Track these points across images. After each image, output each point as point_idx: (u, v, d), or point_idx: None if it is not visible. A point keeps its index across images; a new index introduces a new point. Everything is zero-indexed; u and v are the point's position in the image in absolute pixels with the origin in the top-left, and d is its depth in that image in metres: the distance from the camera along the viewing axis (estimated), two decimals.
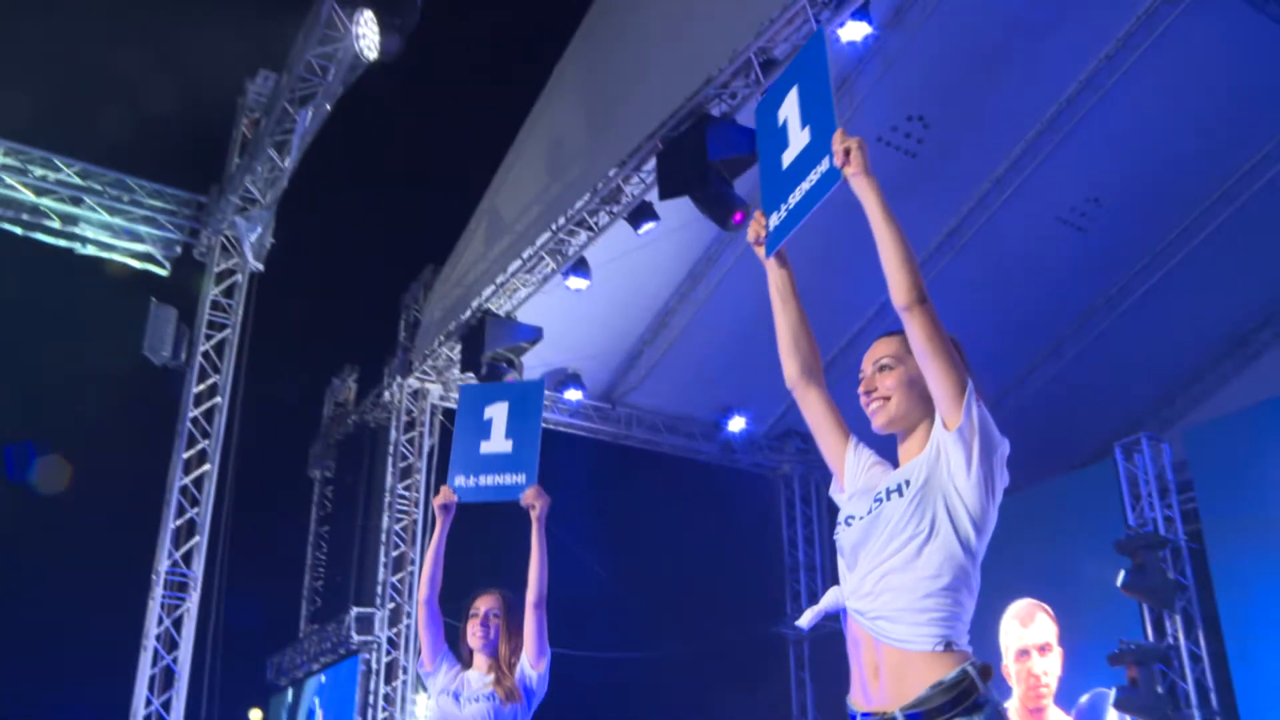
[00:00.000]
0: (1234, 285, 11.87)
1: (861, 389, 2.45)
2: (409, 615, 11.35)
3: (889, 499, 2.30)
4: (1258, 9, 9.22)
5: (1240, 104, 10.28)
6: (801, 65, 2.74)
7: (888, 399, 2.41)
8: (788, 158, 2.67)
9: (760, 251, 2.65)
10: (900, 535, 2.26)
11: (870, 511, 2.33)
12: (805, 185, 2.56)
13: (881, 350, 2.47)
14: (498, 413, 4.30)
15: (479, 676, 3.97)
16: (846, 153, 2.38)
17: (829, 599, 2.39)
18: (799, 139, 2.64)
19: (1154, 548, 9.44)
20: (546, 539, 4.00)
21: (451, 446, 4.04)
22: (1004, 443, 2.32)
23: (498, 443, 4.28)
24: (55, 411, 11.51)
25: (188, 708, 9.63)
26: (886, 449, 2.52)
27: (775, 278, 2.63)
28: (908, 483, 2.30)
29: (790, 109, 2.70)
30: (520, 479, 4.24)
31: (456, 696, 3.94)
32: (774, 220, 2.65)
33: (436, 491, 4.30)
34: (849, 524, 2.36)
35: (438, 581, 4.09)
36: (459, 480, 4.25)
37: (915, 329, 2.28)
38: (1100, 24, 9.74)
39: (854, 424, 2.60)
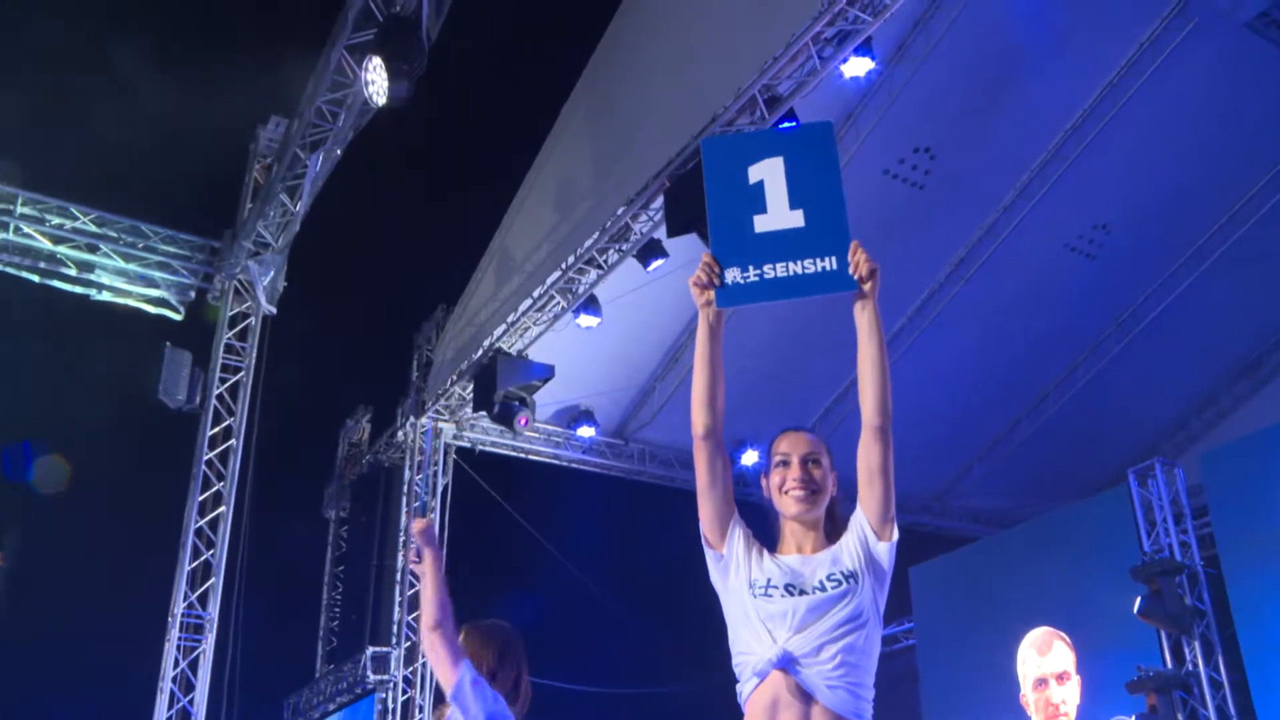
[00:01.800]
0: (1245, 308, 11.88)
1: (792, 476, 2.68)
2: (424, 655, 11.34)
3: (846, 583, 2.56)
4: (1259, 34, 9.28)
5: (1245, 127, 10.33)
6: (799, 142, 2.73)
7: (819, 491, 2.67)
8: (763, 224, 2.67)
9: (703, 296, 2.68)
10: (856, 619, 2.54)
11: (814, 591, 2.56)
12: (797, 269, 2.60)
13: (807, 447, 2.71)
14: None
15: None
16: (872, 273, 2.56)
17: (782, 650, 2.60)
18: (784, 215, 2.65)
19: (1170, 574, 9.40)
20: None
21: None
22: None
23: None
24: (72, 453, 11.57)
25: None
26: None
27: (709, 328, 2.71)
28: (855, 575, 2.58)
29: (772, 175, 2.69)
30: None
31: None
32: (733, 276, 2.66)
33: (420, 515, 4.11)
34: (789, 592, 2.58)
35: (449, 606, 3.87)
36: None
37: (881, 448, 2.55)
38: (1103, 51, 9.81)
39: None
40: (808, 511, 2.68)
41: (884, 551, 2.58)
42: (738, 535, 2.74)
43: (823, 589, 2.56)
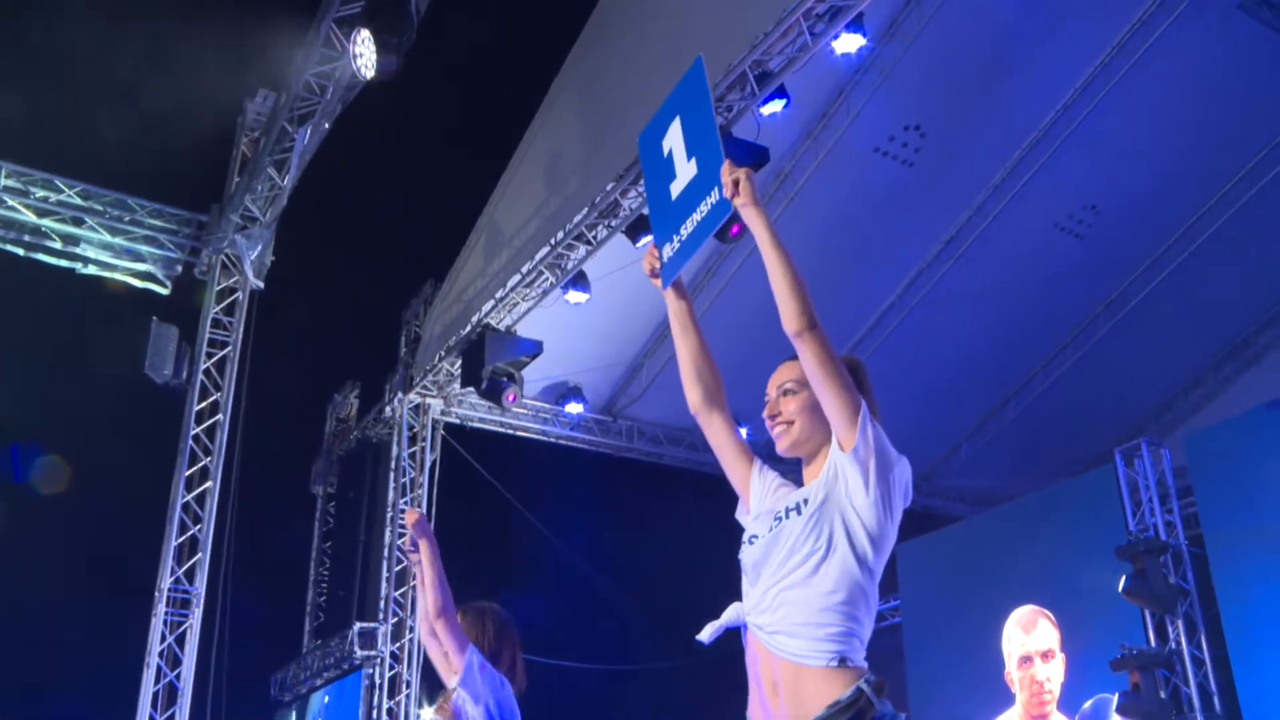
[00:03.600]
0: (1233, 290, 11.91)
1: (766, 413, 2.52)
2: (412, 629, 11.36)
3: (788, 517, 2.36)
4: (1251, 14, 9.27)
5: (1235, 109, 10.33)
6: (683, 94, 2.70)
7: (791, 423, 2.47)
8: (675, 189, 2.67)
9: (657, 283, 2.68)
10: (799, 552, 2.31)
11: (770, 530, 2.39)
12: (696, 216, 2.58)
13: (785, 375, 2.53)
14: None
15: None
16: (735, 183, 2.41)
17: (730, 614, 2.45)
18: (686, 170, 2.64)
19: (1155, 553, 9.46)
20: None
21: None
22: (901, 462, 2.38)
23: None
24: (58, 427, 11.53)
25: None
26: (794, 471, 2.58)
27: (674, 308, 2.68)
28: (806, 501, 2.36)
29: (674, 140, 2.69)
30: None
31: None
32: (668, 251, 2.67)
33: (419, 508, 4.14)
34: (751, 542, 2.43)
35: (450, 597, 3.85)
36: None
37: (806, 355, 2.34)
38: (1095, 31, 9.78)
39: None
40: (788, 449, 2.49)
41: (847, 464, 2.32)
42: (755, 490, 2.59)
43: (763, 535, 2.40)
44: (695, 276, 11.50)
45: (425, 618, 3.78)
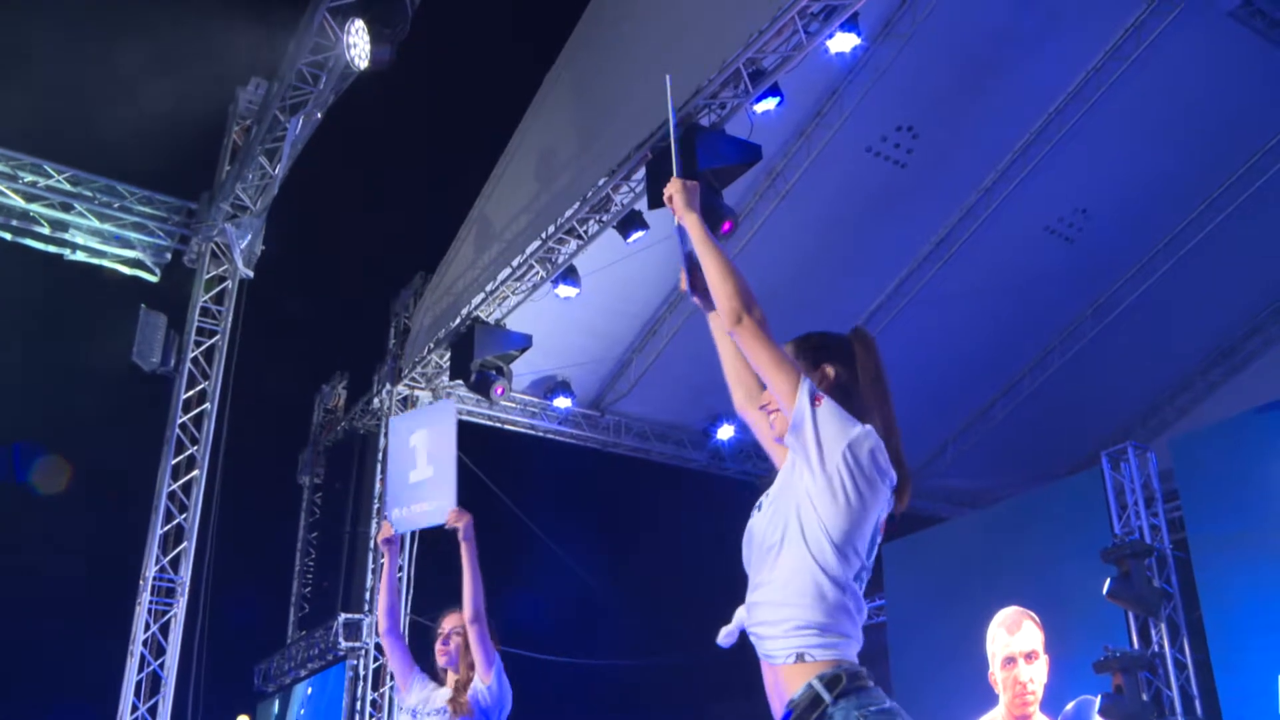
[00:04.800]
0: (1221, 295, 11.96)
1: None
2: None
3: (757, 512, 2.31)
4: (1242, 23, 9.30)
5: (1226, 115, 10.37)
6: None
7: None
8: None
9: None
10: (762, 547, 2.25)
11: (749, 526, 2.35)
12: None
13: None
14: (420, 439, 4.26)
15: (444, 693, 4.02)
16: (669, 199, 2.54)
17: (740, 615, 2.35)
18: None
19: (1140, 556, 9.50)
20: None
21: (386, 480, 4.01)
22: (855, 435, 2.22)
23: (422, 469, 4.25)
24: (46, 415, 11.49)
25: (174, 714, 9.61)
26: None
27: (715, 320, 2.60)
28: (769, 495, 2.31)
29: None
30: (442, 503, 4.22)
31: (414, 713, 4.01)
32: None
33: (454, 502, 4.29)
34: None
35: (397, 612, 4.18)
36: (395, 513, 4.25)
37: (743, 347, 2.32)
38: (1088, 36, 9.81)
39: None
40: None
41: (795, 445, 2.23)
42: None
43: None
44: (665, 269, 11.50)
45: (385, 616, 4.02)
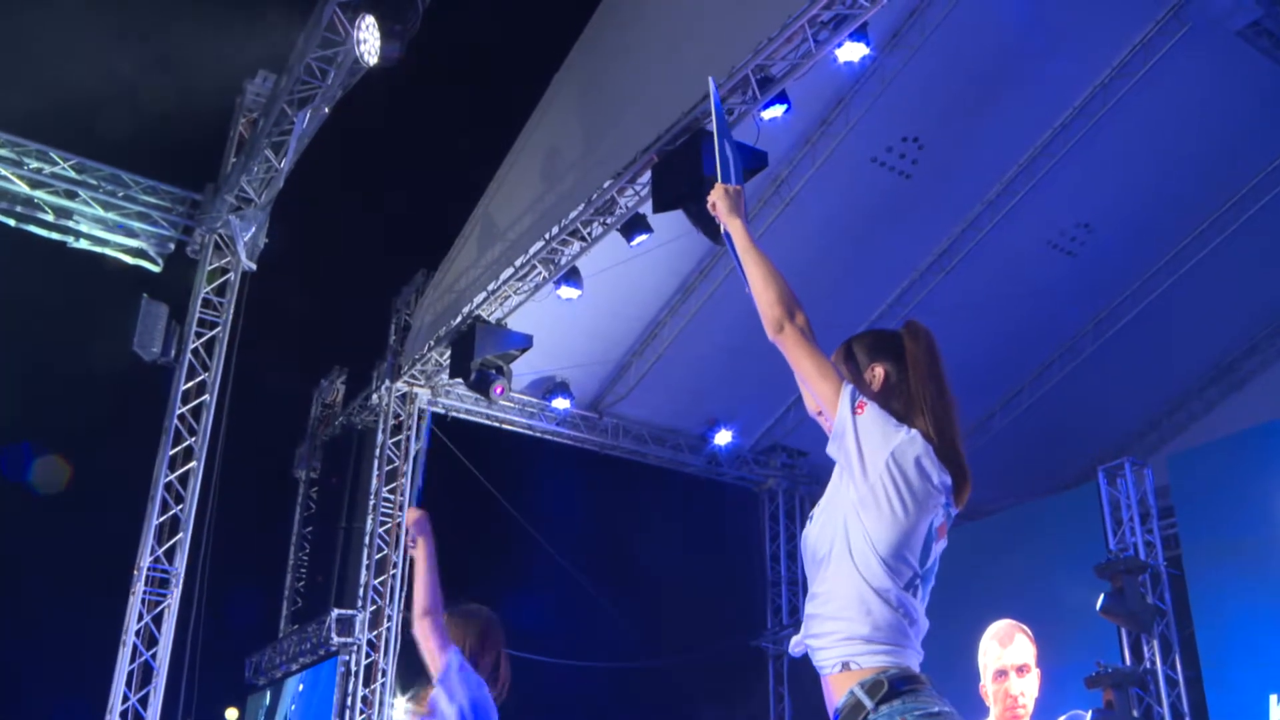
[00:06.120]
0: (1221, 313, 11.98)
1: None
2: (390, 618, 11.35)
3: (810, 522, 2.31)
4: (1249, 42, 9.32)
5: (1230, 135, 10.39)
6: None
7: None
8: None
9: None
10: (814, 559, 2.24)
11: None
12: None
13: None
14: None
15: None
16: (713, 205, 2.54)
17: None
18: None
19: (1134, 572, 9.51)
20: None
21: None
22: (900, 438, 2.21)
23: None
24: (45, 405, 11.49)
25: (165, 705, 9.60)
26: None
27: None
28: (820, 505, 2.29)
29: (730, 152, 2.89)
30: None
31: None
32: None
33: (417, 501, 4.22)
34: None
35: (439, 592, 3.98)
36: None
37: (786, 355, 2.32)
38: (1096, 52, 9.83)
39: None
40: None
41: (838, 455, 2.21)
42: None
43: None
44: (685, 279, 11.53)
45: (426, 594, 3.90)
